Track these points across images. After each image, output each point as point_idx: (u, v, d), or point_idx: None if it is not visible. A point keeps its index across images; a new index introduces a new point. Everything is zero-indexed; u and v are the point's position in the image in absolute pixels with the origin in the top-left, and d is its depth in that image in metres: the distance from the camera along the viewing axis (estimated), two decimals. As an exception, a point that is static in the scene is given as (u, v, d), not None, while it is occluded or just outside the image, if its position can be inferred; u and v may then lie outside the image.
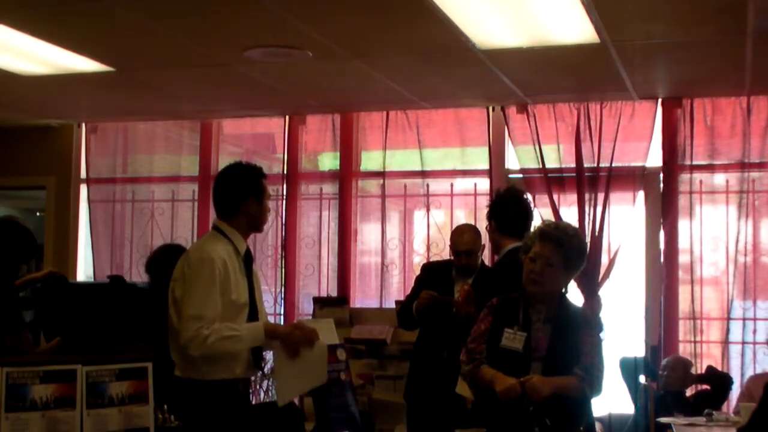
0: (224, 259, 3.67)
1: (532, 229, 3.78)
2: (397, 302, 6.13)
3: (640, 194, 6.42)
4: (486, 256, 5.53)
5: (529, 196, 4.80)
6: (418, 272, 5.69)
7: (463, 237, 5.08)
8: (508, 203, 4.60)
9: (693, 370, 5.95)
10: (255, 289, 3.83)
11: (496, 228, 4.59)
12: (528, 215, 4.60)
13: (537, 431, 3.41)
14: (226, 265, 3.66)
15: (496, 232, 4.58)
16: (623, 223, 6.39)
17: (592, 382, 3.53)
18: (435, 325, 5.00)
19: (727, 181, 6.33)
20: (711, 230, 6.31)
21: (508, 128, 6.64)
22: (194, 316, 3.58)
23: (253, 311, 3.77)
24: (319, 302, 6.60)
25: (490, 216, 4.65)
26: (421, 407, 5.13)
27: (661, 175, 6.41)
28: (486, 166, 6.72)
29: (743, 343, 6.20)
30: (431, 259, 6.54)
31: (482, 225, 4.90)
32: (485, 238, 4.99)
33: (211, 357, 3.60)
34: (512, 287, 3.70)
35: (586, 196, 6.38)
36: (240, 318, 3.71)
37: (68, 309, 4.53)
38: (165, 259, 4.51)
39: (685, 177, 6.34)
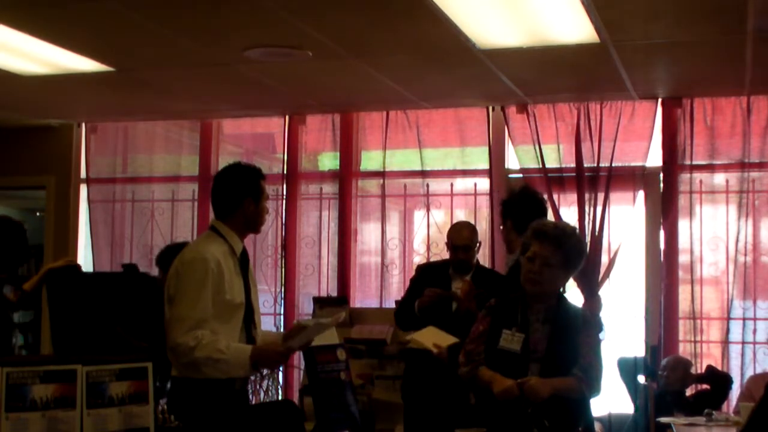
0: (218, 259, 3.66)
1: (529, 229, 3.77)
2: (397, 302, 6.12)
3: (640, 194, 6.42)
4: (486, 255, 5.52)
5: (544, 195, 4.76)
6: (416, 273, 5.68)
7: (461, 232, 5.08)
8: (524, 202, 4.56)
9: (693, 370, 5.94)
10: (251, 289, 3.82)
11: (512, 228, 4.54)
12: (545, 215, 4.58)
13: (535, 432, 3.42)
14: (221, 265, 3.65)
15: (513, 231, 4.54)
16: (623, 223, 6.39)
17: (591, 383, 3.54)
18: (435, 323, 5.00)
19: (727, 181, 6.33)
20: (711, 230, 6.31)
21: (508, 128, 6.63)
22: (182, 316, 3.58)
23: (249, 312, 3.77)
24: (319, 302, 6.60)
25: (506, 215, 4.60)
26: (419, 406, 5.13)
27: (661, 174, 6.41)
28: (486, 166, 6.72)
29: (743, 343, 6.20)
30: (431, 259, 6.54)
31: (482, 225, 4.91)
32: (497, 240, 4.95)
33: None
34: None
35: (586, 195, 6.38)
36: (235, 319, 3.70)
37: (83, 297, 4.56)
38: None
39: (685, 177, 6.34)
